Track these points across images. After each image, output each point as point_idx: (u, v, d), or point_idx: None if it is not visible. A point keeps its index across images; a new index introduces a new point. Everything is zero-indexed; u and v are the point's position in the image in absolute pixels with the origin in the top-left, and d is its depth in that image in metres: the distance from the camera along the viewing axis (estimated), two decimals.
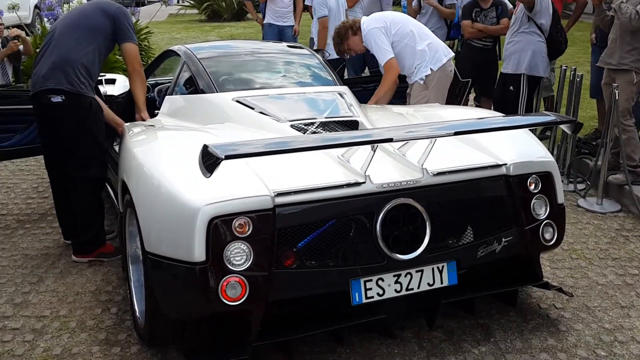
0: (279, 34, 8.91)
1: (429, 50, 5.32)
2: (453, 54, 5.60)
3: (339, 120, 3.93)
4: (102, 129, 4.33)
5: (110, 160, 4.51)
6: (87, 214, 4.37)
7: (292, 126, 3.77)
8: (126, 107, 4.90)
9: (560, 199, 3.57)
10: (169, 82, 5.00)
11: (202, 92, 4.30)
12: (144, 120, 4.50)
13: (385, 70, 5.23)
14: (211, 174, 2.68)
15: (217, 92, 4.23)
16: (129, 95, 5.07)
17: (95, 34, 4.27)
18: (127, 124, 4.40)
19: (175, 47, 4.99)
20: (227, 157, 2.64)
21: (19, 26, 9.34)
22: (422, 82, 5.32)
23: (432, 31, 6.45)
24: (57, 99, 4.10)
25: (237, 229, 2.87)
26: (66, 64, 4.13)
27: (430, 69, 5.29)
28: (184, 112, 4.38)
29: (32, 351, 3.41)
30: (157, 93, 5.13)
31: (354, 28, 5.33)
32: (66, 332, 3.58)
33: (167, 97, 4.65)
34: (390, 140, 3.02)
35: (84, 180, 4.27)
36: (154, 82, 5.54)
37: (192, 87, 4.45)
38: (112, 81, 6.30)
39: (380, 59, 5.22)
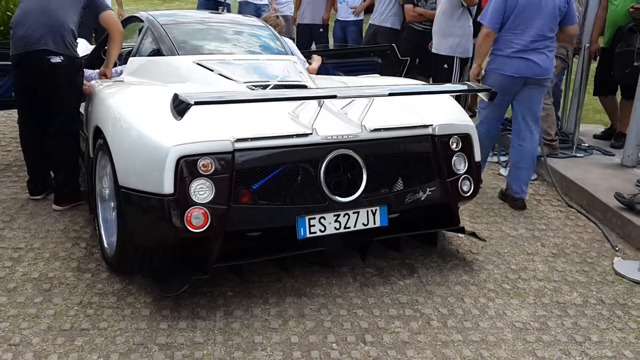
0: (214, 5, 8.99)
1: None
2: None
3: (290, 84, 4.40)
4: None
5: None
6: (73, 164, 4.79)
7: (248, 87, 4.22)
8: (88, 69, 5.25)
9: (477, 157, 4.15)
10: (129, 47, 5.40)
11: (164, 55, 4.70)
12: (107, 75, 4.90)
13: None
14: (182, 117, 3.15)
15: (179, 55, 4.65)
16: (90, 58, 5.46)
17: (75, 2, 4.64)
18: (93, 81, 4.79)
19: (138, 14, 5.37)
20: (197, 103, 3.11)
21: None
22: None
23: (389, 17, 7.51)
24: (56, 59, 4.48)
25: (202, 168, 3.34)
26: (61, 28, 4.50)
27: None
28: (147, 72, 4.76)
29: (13, 274, 3.82)
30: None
31: None
32: (41, 261, 4.00)
33: (130, 58, 5.04)
34: (334, 96, 3.55)
35: (72, 132, 4.68)
36: None
37: (154, 50, 4.84)
38: None
39: None
